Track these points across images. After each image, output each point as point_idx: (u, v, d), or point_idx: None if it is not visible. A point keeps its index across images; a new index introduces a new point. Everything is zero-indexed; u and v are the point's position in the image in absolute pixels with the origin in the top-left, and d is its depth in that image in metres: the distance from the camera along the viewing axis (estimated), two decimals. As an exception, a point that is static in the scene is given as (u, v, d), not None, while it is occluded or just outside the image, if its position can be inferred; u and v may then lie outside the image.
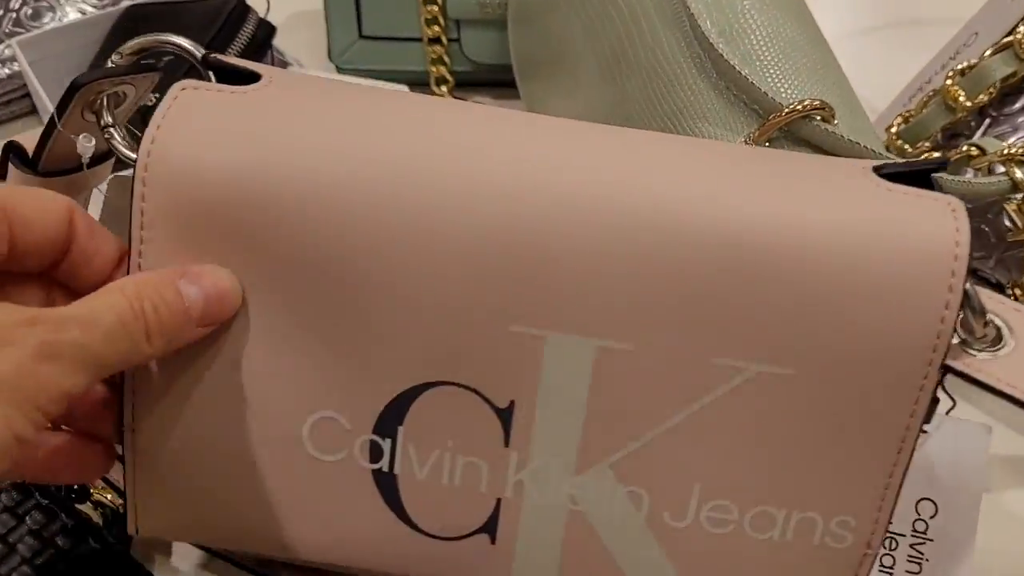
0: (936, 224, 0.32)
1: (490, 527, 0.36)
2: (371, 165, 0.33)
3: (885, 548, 0.39)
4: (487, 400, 0.34)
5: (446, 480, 0.36)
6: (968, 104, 0.49)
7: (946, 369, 0.32)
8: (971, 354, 0.33)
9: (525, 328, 0.33)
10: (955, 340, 0.33)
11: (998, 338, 0.34)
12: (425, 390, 0.34)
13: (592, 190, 0.32)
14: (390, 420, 0.35)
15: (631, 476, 0.35)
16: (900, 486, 0.34)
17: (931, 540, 0.38)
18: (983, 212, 0.48)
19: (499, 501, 0.36)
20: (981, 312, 0.32)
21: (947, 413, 0.39)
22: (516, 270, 0.33)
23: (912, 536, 0.38)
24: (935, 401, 0.33)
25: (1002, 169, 0.45)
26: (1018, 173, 0.45)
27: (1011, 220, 0.48)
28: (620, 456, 0.34)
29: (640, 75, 0.39)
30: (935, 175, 0.33)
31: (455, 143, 0.33)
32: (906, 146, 0.51)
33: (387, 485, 0.36)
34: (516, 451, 0.35)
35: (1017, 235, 0.47)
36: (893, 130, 0.53)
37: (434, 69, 0.59)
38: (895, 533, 0.39)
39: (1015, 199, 0.46)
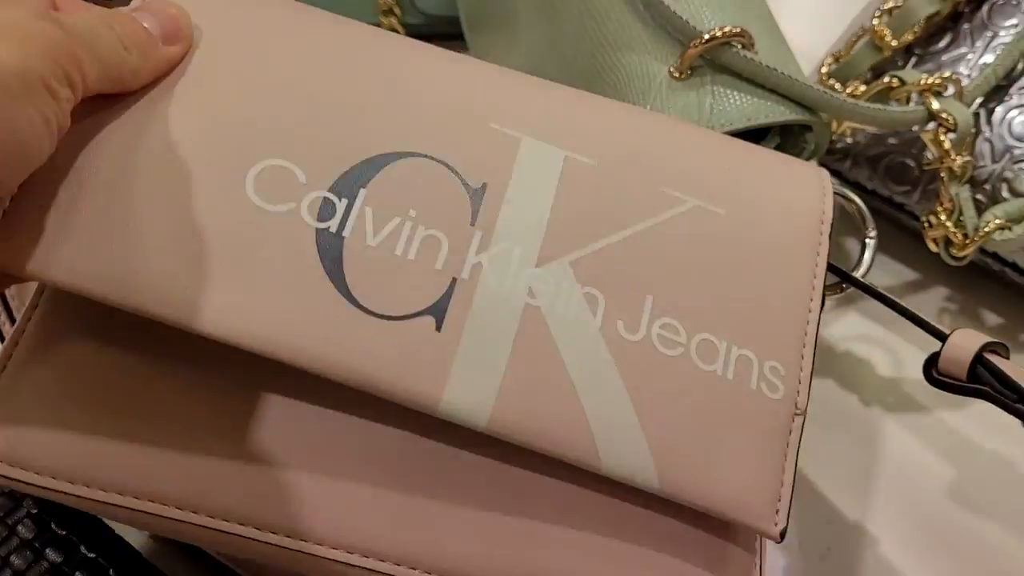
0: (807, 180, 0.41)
1: (438, 309, 0.32)
2: None
3: None
4: (460, 177, 0.35)
5: (400, 250, 0.33)
6: (894, 43, 0.50)
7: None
8: None
9: (504, 128, 0.36)
10: None
11: None
12: (400, 158, 0.34)
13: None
14: (353, 180, 0.34)
15: (589, 277, 0.34)
16: (815, 349, 0.36)
17: None
18: (908, 147, 0.50)
19: (454, 281, 0.33)
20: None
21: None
22: (502, 79, 0.37)
23: None
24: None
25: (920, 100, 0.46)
26: (934, 103, 0.47)
27: (929, 150, 0.48)
28: (580, 255, 0.35)
29: (572, 12, 0.46)
30: None
31: None
32: (837, 85, 0.52)
33: (329, 248, 0.32)
34: (481, 231, 0.34)
35: (933, 164, 0.47)
36: (824, 70, 0.53)
37: (385, 20, 0.58)
38: None
39: (930, 130, 0.47)
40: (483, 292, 0.33)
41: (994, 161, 0.48)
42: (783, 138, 0.46)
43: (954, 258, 0.48)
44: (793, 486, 0.35)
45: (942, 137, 0.46)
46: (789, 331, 0.36)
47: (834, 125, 0.52)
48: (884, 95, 0.48)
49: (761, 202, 0.38)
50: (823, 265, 0.38)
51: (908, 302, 0.43)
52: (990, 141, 0.49)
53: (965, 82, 0.49)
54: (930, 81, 0.46)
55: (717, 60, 0.43)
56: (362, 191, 0.34)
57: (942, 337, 0.41)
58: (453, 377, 0.32)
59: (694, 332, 0.35)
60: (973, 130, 0.47)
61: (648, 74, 0.43)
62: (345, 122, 0.35)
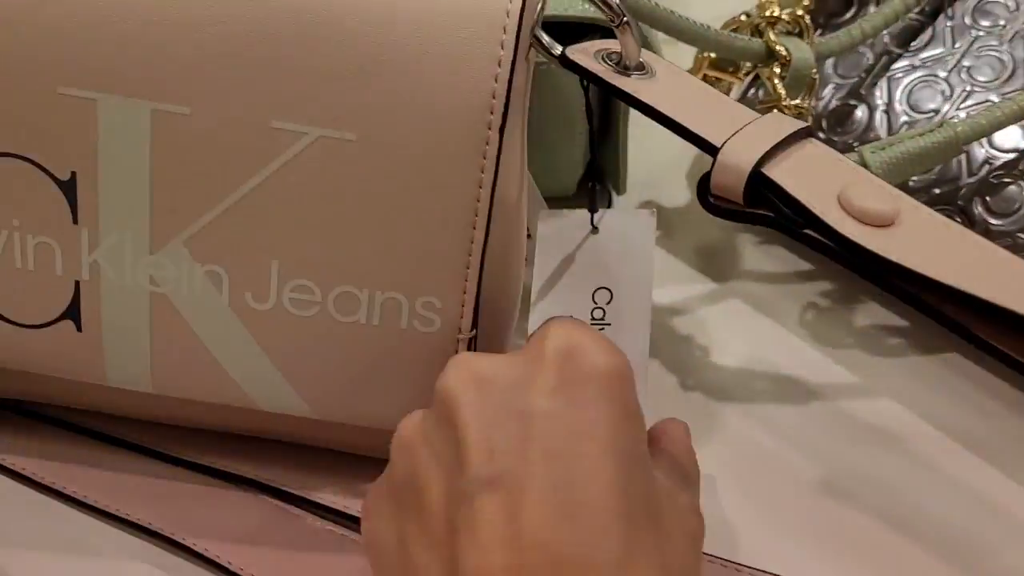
0: None
1: (72, 313, 0.35)
2: None
3: None
4: (47, 171, 0.32)
5: (19, 264, 0.34)
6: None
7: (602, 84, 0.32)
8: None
9: (74, 90, 0.31)
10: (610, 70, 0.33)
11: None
12: (-16, 161, 0.33)
13: None
14: (-49, 198, 0.33)
15: (206, 254, 0.33)
16: (482, 265, 0.33)
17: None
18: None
19: (77, 284, 0.34)
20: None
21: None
22: (62, 28, 0.31)
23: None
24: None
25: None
26: (771, 35, 0.43)
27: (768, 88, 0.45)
28: (192, 231, 0.33)
29: None
30: None
31: None
32: None
33: (-38, 270, 0.34)
34: (86, 228, 0.33)
35: (766, 103, 0.45)
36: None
37: None
38: None
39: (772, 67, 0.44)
40: (108, 289, 0.34)
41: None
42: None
43: None
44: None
45: (775, 77, 0.42)
46: (444, 262, 0.33)
47: None
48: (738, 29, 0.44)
49: (405, 102, 0.31)
50: (491, 170, 0.32)
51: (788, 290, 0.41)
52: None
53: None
54: (771, 13, 0.43)
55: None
56: (-38, 208, 0.33)
57: (713, 151, 0.33)
58: (109, 364, 0.35)
59: (330, 288, 0.33)
60: (814, 74, 0.43)
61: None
62: None
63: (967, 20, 0.47)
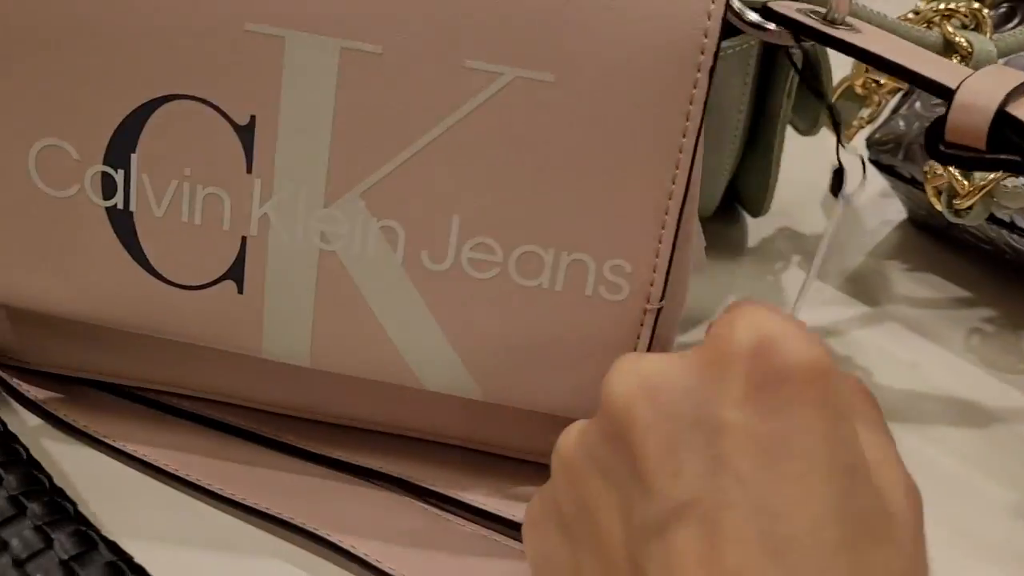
0: None
1: (236, 272, 0.33)
2: None
3: None
4: (225, 116, 0.31)
5: (186, 217, 0.32)
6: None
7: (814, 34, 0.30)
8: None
9: (262, 27, 0.30)
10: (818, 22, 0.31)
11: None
12: (157, 107, 0.31)
13: None
14: (121, 146, 0.32)
15: (384, 207, 0.31)
16: (678, 228, 0.31)
17: None
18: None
19: (244, 240, 0.32)
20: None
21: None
22: None
23: None
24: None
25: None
26: (948, 27, 0.40)
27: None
28: (371, 183, 0.31)
29: None
30: None
31: None
32: None
33: (123, 226, 0.33)
34: (259, 178, 0.32)
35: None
36: None
37: None
38: None
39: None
40: (275, 246, 0.32)
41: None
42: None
43: (955, 212, 0.40)
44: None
45: None
46: (638, 220, 0.31)
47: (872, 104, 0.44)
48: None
49: (608, 40, 0.29)
50: (696, 117, 0.30)
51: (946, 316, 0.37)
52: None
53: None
54: (944, 6, 0.40)
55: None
56: (133, 157, 0.32)
57: (948, 94, 0.30)
58: (267, 331, 0.33)
59: (512, 247, 0.31)
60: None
61: None
62: (93, 75, 0.31)
63: None
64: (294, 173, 0.31)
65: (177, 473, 0.36)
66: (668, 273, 0.31)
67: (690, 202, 0.31)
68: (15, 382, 0.38)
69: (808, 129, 0.47)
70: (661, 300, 0.32)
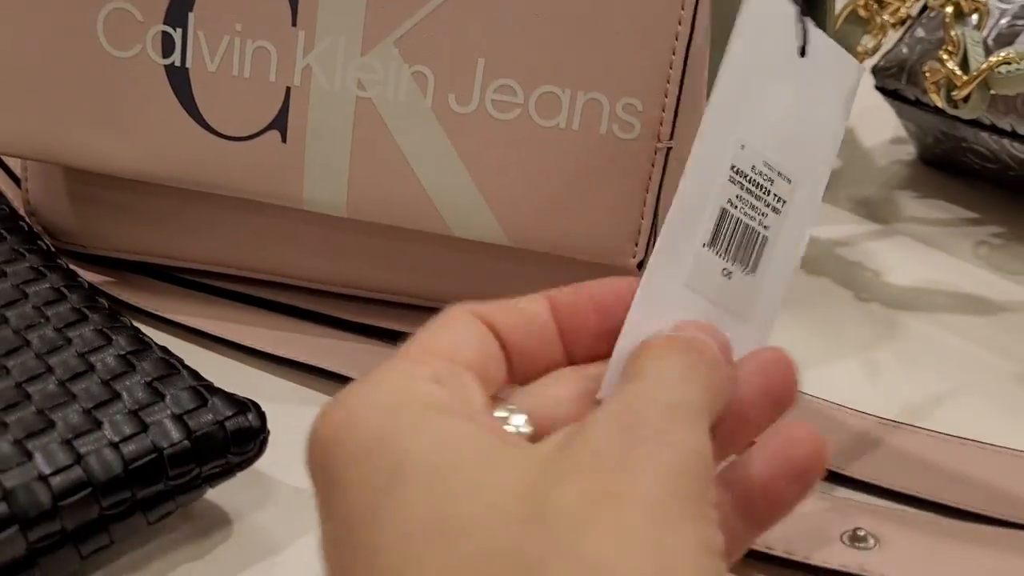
0: None
1: (280, 122, 0.36)
2: None
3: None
4: (274, -29, 0.34)
5: (236, 70, 0.35)
6: None
7: None
8: None
9: None
10: None
11: None
12: (214, -34, 0.35)
13: None
14: (180, 6, 0.35)
15: (416, 53, 0.34)
16: (684, 68, 0.34)
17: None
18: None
19: (288, 91, 0.35)
20: None
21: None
22: None
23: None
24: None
25: None
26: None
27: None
28: (404, 30, 0.34)
29: None
30: None
31: None
32: None
33: (180, 81, 0.36)
34: (303, 31, 0.35)
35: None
36: None
37: None
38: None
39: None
40: (316, 95, 0.35)
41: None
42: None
43: (953, 103, 0.41)
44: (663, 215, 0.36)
45: None
46: (649, 60, 0.33)
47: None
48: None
49: None
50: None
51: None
52: None
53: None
54: None
55: None
56: (190, 15, 0.35)
57: None
58: (307, 179, 0.36)
59: (533, 87, 0.34)
60: None
61: None
62: None
63: None
64: (335, 24, 0.34)
65: (220, 335, 0.38)
66: (677, 112, 0.34)
67: (697, 51, 0.34)
68: (72, 267, 0.41)
69: None
70: (671, 139, 0.34)
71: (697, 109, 0.35)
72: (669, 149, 0.35)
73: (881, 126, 0.55)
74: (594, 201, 0.35)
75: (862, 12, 0.47)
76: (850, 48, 0.47)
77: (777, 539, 0.31)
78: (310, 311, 0.40)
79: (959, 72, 0.42)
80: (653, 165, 0.35)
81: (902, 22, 0.46)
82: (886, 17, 0.46)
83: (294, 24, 0.35)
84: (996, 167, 0.50)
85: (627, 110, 0.34)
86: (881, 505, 0.33)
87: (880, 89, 0.50)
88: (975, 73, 0.41)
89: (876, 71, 0.51)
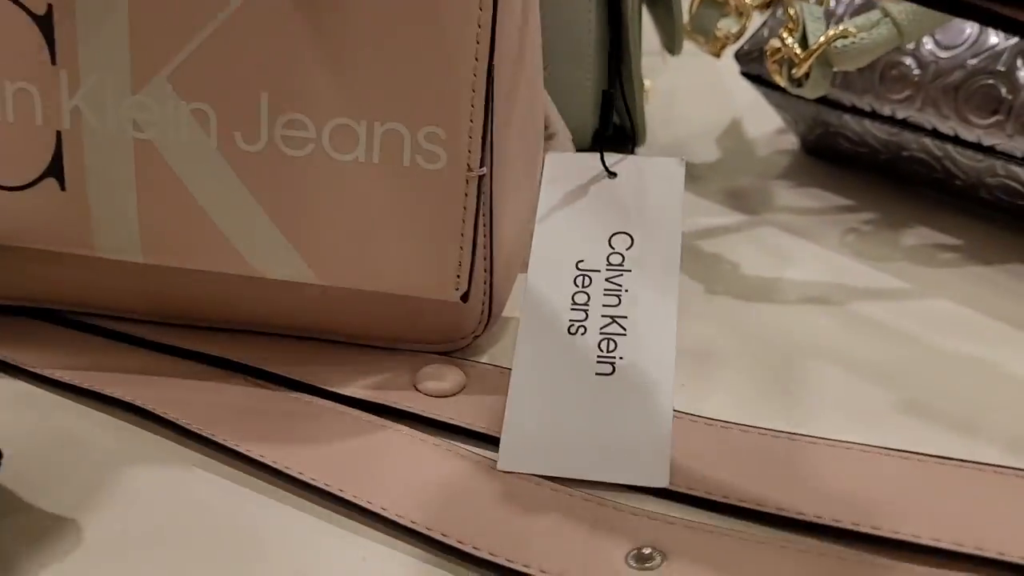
0: None
1: (55, 168, 0.32)
2: None
3: (578, 285, 0.35)
4: (22, 6, 0.31)
5: (0, 115, 0.32)
6: None
7: None
8: None
9: (50, -91, 0.30)
10: None
11: None
12: (-44, 1, 0.31)
13: None
14: (-72, 45, 0.31)
15: (192, 89, 0.31)
16: (488, 90, 0.31)
17: (628, 271, 0.34)
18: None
19: (59, 135, 0.32)
20: None
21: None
22: None
23: (608, 269, 0.34)
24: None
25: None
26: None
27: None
28: (176, 64, 0.31)
29: None
30: None
31: None
32: None
33: (-61, 129, 0.32)
34: (65, 69, 0.31)
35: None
36: None
37: None
38: (589, 270, 0.35)
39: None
40: (90, 138, 0.32)
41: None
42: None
43: (794, 81, 0.39)
44: (487, 242, 0.33)
45: None
46: (447, 85, 0.30)
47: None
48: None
49: None
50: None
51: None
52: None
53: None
54: None
55: None
56: (-62, 56, 0.31)
57: None
58: (95, 226, 0.33)
59: (324, 121, 0.31)
60: None
61: None
62: None
63: None
64: (98, 61, 0.31)
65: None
66: (484, 138, 0.31)
67: (505, 71, 0.31)
68: None
69: (668, 44, 0.47)
70: (481, 166, 0.31)
71: (514, 131, 0.33)
72: (482, 177, 0.32)
73: (767, 116, 0.53)
74: (406, 235, 0.32)
75: None
76: (707, 32, 0.45)
77: (553, 567, 0.28)
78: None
79: (798, 50, 0.39)
80: (466, 194, 0.32)
81: (767, 5, 0.43)
82: (747, 0, 0.43)
83: (54, 62, 0.31)
84: (866, 151, 0.47)
85: (430, 139, 0.31)
86: (677, 516, 0.30)
87: (745, 75, 0.47)
88: (812, 49, 0.39)
89: (739, 56, 0.48)
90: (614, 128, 0.48)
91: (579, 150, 0.46)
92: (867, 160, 0.48)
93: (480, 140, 0.31)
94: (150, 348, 0.37)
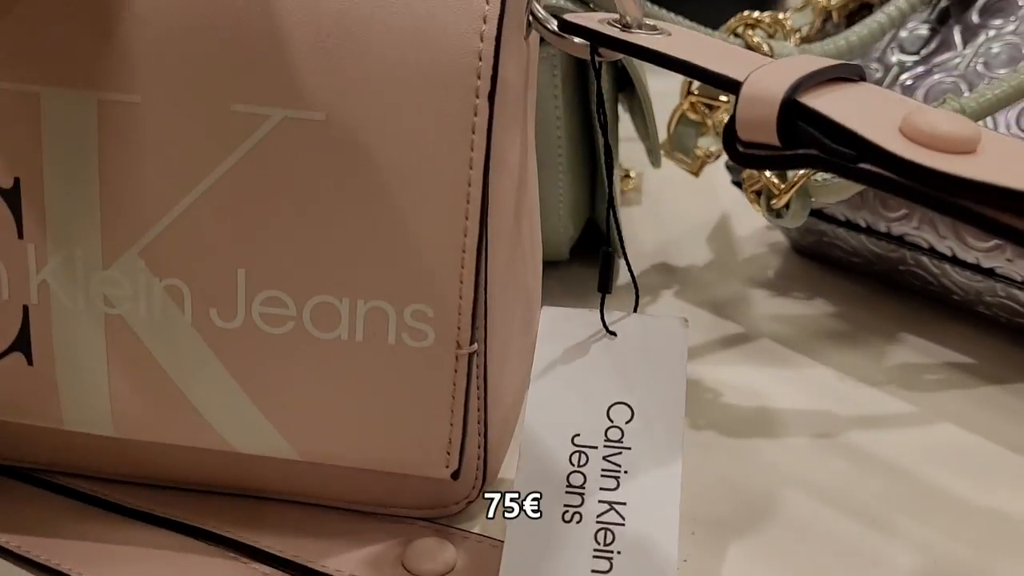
0: None
1: (22, 343, 0.31)
2: None
3: (573, 464, 0.32)
4: (-11, 179, 0.29)
5: (-37, 288, 0.30)
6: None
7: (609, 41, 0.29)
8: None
9: (15, 85, 0.28)
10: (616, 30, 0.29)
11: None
12: (-79, 172, 0.29)
13: None
14: None
15: (165, 265, 0.29)
16: (479, 266, 0.29)
17: (628, 448, 0.32)
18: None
19: (26, 309, 0.30)
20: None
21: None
22: None
23: (605, 447, 0.32)
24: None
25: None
26: (754, 37, 0.41)
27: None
28: (148, 239, 0.29)
29: None
30: None
31: None
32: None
33: (-99, 302, 0.31)
34: (32, 243, 0.30)
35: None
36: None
37: None
38: (585, 446, 0.33)
39: None
40: (59, 313, 0.30)
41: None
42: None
43: (773, 212, 0.38)
44: (481, 416, 0.32)
45: None
46: (434, 262, 0.29)
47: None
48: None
49: (373, 84, 0.27)
50: (482, 147, 0.28)
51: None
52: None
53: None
54: (750, 15, 0.41)
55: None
56: (-100, 228, 0.30)
57: (736, 87, 0.27)
58: (64, 401, 0.31)
59: (305, 298, 0.29)
60: None
61: None
62: None
63: (975, 20, 0.43)
64: (67, 236, 0.29)
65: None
66: (475, 315, 0.29)
67: (505, 237, 0.29)
68: None
69: (650, 158, 0.46)
70: (473, 342, 0.30)
71: (510, 303, 0.31)
72: (473, 354, 0.30)
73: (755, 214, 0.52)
74: (392, 414, 0.30)
75: (692, 115, 0.43)
76: (687, 150, 0.43)
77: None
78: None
79: (776, 181, 0.38)
80: (456, 371, 0.30)
81: None
82: (721, 117, 0.41)
83: (20, 236, 0.30)
84: (860, 261, 0.46)
85: (416, 317, 0.29)
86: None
87: (737, 184, 0.46)
88: (792, 182, 0.37)
89: (729, 167, 0.47)
90: (594, 234, 0.47)
91: (553, 262, 0.44)
92: (861, 268, 0.47)
93: (471, 316, 0.29)
94: (122, 513, 0.35)
